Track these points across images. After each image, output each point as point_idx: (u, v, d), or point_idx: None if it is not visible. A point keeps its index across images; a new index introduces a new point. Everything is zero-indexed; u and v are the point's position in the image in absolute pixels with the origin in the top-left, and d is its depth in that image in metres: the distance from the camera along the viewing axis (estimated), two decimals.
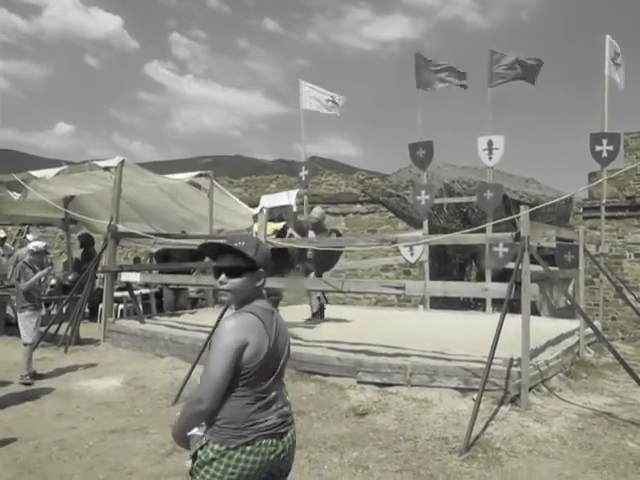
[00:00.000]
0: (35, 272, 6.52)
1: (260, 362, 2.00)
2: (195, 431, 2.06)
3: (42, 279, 6.80)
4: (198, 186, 10.65)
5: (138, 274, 8.78)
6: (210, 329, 6.35)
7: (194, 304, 11.42)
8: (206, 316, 8.37)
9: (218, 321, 6.28)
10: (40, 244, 6.75)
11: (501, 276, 9.01)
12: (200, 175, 10.35)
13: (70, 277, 10.79)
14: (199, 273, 10.39)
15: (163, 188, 10.47)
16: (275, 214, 8.56)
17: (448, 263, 14.61)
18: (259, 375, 2.02)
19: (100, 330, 8.49)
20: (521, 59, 10.25)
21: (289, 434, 2.14)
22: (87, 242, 11.44)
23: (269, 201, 11.48)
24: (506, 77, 10.27)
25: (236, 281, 2.10)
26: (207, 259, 10.42)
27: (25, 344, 6.46)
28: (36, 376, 6.52)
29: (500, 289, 5.63)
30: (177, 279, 9.08)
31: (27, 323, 6.49)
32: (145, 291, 10.57)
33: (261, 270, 2.13)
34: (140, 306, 9.35)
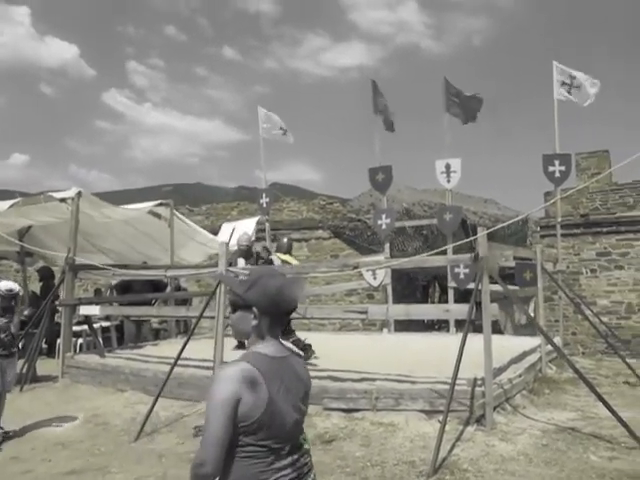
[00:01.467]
0: (2, 316, 5.63)
1: (260, 416, 1.81)
2: None
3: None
4: (158, 216, 10.53)
5: (98, 307, 8.59)
6: (172, 360, 6.24)
7: (157, 336, 11.20)
8: (169, 347, 8.22)
9: (180, 352, 6.19)
10: (12, 285, 5.82)
11: (464, 296, 9.13)
12: (160, 204, 10.24)
13: (26, 312, 10.47)
14: (161, 304, 10.23)
15: (122, 219, 10.32)
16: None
17: (411, 285, 14.73)
18: (265, 430, 1.82)
19: (58, 366, 8.24)
20: (464, 95, 10.62)
21: None
22: (47, 275, 11.13)
23: (230, 229, 11.43)
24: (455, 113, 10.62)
25: (233, 316, 2.00)
26: (168, 289, 10.34)
27: None
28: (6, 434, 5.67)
29: (461, 310, 5.70)
30: (138, 311, 8.91)
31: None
32: (105, 324, 10.32)
33: (255, 310, 1.94)
34: (100, 340, 9.13)
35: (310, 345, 7.23)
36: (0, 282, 5.98)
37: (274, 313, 1.95)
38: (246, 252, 8.23)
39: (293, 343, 7.04)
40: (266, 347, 1.94)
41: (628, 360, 8.24)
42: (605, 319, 11.42)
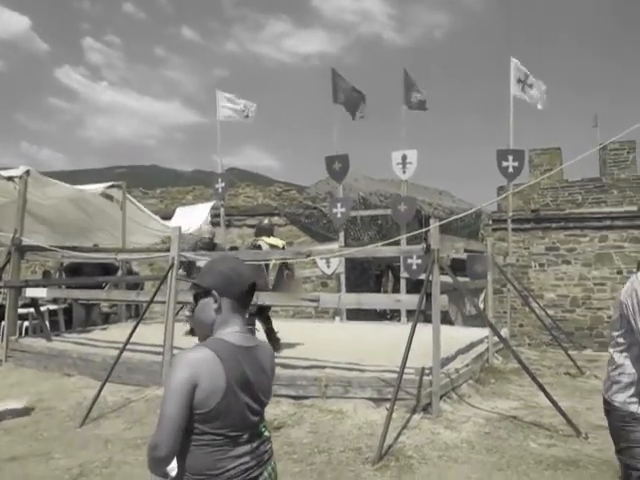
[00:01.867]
0: None
1: (216, 405, 1.79)
2: None
3: None
4: (110, 197, 10.31)
5: (45, 289, 8.36)
6: (121, 345, 6.15)
7: (106, 320, 11.00)
8: (118, 332, 8.09)
9: (129, 337, 6.10)
10: None
11: (416, 286, 9.26)
12: (112, 186, 10.01)
13: None
14: (111, 287, 10.04)
15: (73, 199, 10.05)
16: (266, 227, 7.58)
17: (365, 274, 14.87)
18: (221, 419, 1.82)
19: (2, 349, 8.01)
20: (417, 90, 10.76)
21: (265, 474, 1.96)
22: None
23: (184, 213, 11.29)
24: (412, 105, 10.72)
25: (196, 309, 1.98)
26: (119, 273, 10.15)
27: None
28: None
29: (412, 300, 5.78)
30: (87, 294, 8.72)
31: None
32: (53, 307, 10.08)
33: (214, 293, 1.93)
34: (47, 323, 8.90)
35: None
36: None
37: (233, 292, 1.95)
38: (208, 244, 8.11)
39: (267, 332, 7.00)
40: (231, 334, 1.93)
41: (570, 352, 8.54)
42: (551, 312, 11.81)
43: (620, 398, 2.33)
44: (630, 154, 13.60)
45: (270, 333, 6.91)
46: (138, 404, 5.85)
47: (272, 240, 7.10)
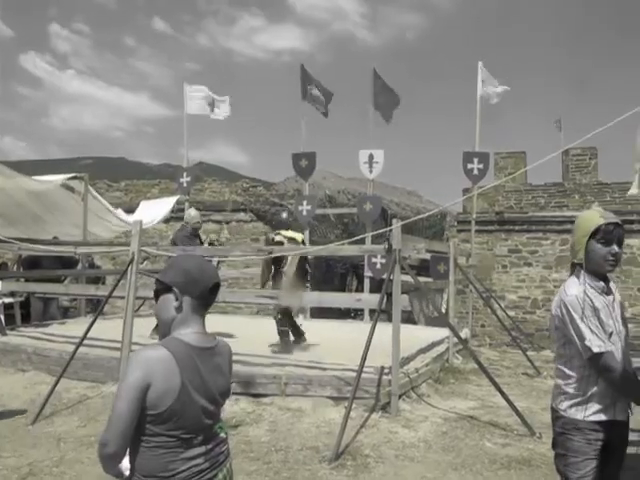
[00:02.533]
0: None
1: (170, 406, 1.75)
2: None
3: None
4: (72, 189, 10.09)
5: (1, 282, 8.14)
6: (78, 340, 6.02)
7: (65, 314, 10.78)
8: (76, 327, 7.92)
9: (86, 332, 5.98)
10: None
11: (380, 286, 9.30)
12: (74, 177, 9.80)
13: None
14: (71, 281, 9.85)
15: (31, 191, 9.81)
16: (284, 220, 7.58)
17: (329, 272, 14.88)
18: (174, 420, 1.76)
19: None
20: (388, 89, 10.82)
21: (220, 475, 1.90)
22: None
23: (148, 207, 11.13)
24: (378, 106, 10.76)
25: (156, 304, 1.93)
26: (79, 267, 9.96)
27: None
28: None
29: (373, 300, 5.80)
30: (46, 287, 8.51)
31: None
32: (8, 300, 9.82)
33: (175, 290, 1.87)
34: (2, 317, 8.67)
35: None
36: None
37: (195, 291, 1.89)
38: (196, 230, 7.80)
39: (293, 327, 7.18)
40: (188, 334, 1.88)
41: (530, 353, 8.70)
42: (512, 313, 12.01)
43: (565, 406, 2.37)
44: (592, 160, 13.88)
45: (297, 327, 7.17)
46: (94, 401, 5.75)
47: (290, 233, 7.04)
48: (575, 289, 2.32)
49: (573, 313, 2.28)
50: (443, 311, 12.99)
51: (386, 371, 5.57)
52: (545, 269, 13.17)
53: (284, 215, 7.85)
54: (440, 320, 11.87)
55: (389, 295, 5.47)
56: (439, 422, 5.28)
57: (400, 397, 5.55)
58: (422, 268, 10.64)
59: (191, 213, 7.91)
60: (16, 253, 9.89)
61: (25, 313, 10.19)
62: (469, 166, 9.76)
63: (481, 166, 9.76)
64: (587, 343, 2.24)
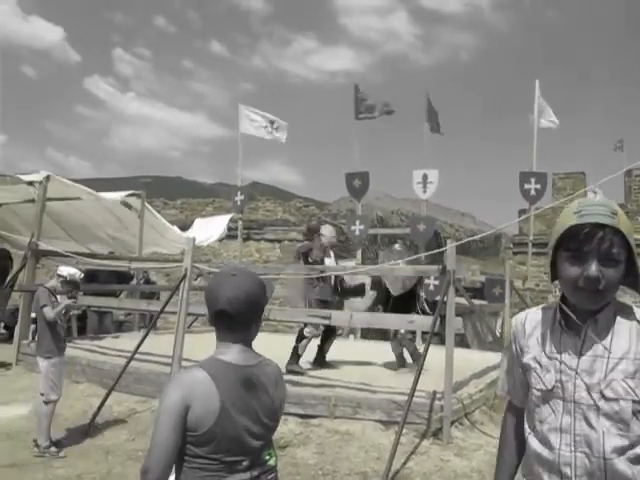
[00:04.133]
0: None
1: (210, 428, 1.68)
2: None
3: (64, 314, 5.33)
4: (129, 206, 10.35)
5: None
6: (130, 354, 6.09)
7: (119, 328, 10.99)
8: (129, 341, 8.03)
9: (138, 346, 6.05)
10: (74, 271, 5.42)
11: (433, 308, 9.10)
12: (132, 195, 10.05)
13: None
14: (126, 296, 10.04)
15: (94, 206, 10.12)
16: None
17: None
18: (215, 442, 1.70)
19: (13, 353, 8.01)
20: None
21: None
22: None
23: (203, 225, 11.29)
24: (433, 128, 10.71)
25: None
26: (134, 282, 10.15)
27: (48, 401, 5.00)
28: (59, 444, 5.01)
29: (426, 322, 5.63)
30: (100, 301, 8.71)
31: (54, 373, 5.07)
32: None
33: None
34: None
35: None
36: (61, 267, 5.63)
37: (211, 311, 1.82)
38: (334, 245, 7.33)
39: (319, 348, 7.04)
40: (227, 353, 1.81)
41: None
42: None
43: None
44: None
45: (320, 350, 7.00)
46: (143, 415, 5.77)
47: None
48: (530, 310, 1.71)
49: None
50: (498, 335, 12.66)
51: (438, 396, 5.38)
52: None
53: (396, 247, 7.61)
54: (494, 344, 11.54)
55: (442, 317, 5.31)
56: (493, 452, 5.01)
57: (452, 424, 5.35)
58: (476, 290, 10.39)
59: (327, 229, 7.48)
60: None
61: (81, 326, 10.45)
62: (526, 186, 9.48)
63: (538, 186, 9.47)
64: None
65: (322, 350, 7.05)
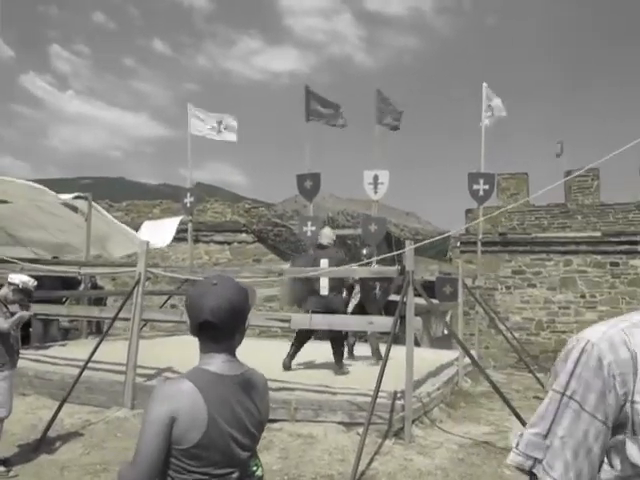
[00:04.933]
0: (12, 314, 4.83)
1: (198, 441, 1.63)
2: None
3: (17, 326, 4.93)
4: (75, 209, 9.99)
5: None
6: (81, 363, 5.88)
7: (66, 335, 10.60)
8: (78, 349, 7.77)
9: (91, 355, 5.85)
10: (27, 279, 5.07)
11: (385, 309, 9.18)
12: (78, 197, 9.70)
13: None
14: (72, 302, 9.69)
15: (37, 208, 9.71)
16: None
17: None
18: (204, 455, 1.65)
19: None
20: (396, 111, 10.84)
21: None
22: None
23: (151, 227, 11.03)
24: (388, 124, 10.78)
25: None
26: (82, 287, 9.81)
27: None
28: (8, 463, 4.69)
29: (385, 322, 5.68)
30: (47, 309, 8.35)
31: (3, 388, 4.66)
32: None
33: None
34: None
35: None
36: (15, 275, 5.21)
37: (193, 322, 1.76)
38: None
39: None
40: (212, 364, 1.76)
41: (536, 375, 8.56)
42: (516, 335, 11.88)
43: None
44: (594, 181, 13.89)
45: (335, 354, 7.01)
46: (98, 427, 5.59)
47: None
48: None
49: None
50: (446, 333, 12.90)
51: (398, 395, 5.44)
52: (549, 290, 13.10)
53: (364, 252, 8.13)
54: (445, 342, 11.76)
55: (402, 318, 5.36)
56: (454, 448, 5.14)
57: (413, 422, 5.42)
58: (426, 289, 10.52)
59: (324, 232, 7.53)
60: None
61: (24, 335, 10.00)
62: (475, 187, 9.68)
63: (487, 187, 9.69)
64: None
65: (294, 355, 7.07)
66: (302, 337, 6.99)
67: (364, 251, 7.79)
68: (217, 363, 1.76)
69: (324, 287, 6.69)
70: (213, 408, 1.67)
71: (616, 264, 12.74)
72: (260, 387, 1.87)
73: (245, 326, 1.86)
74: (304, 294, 6.71)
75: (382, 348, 7.28)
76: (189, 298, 1.83)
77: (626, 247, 12.68)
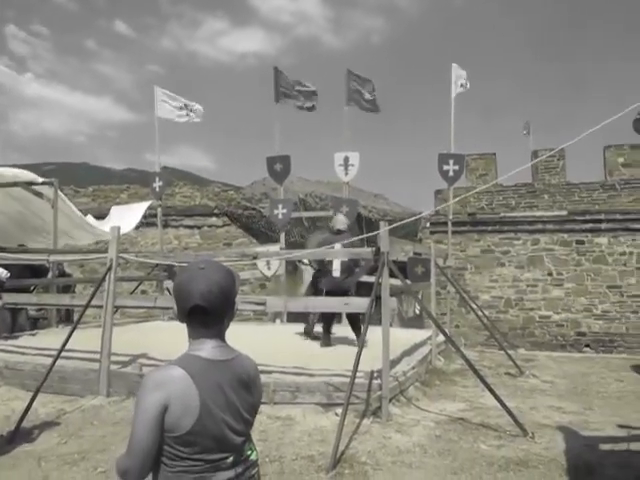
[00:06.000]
0: None
1: (192, 427, 1.63)
2: None
3: None
4: (40, 195, 9.77)
5: None
6: (54, 352, 5.79)
7: (35, 325, 10.41)
8: (49, 338, 7.66)
9: (65, 343, 5.75)
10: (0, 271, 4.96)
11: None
12: (44, 183, 9.47)
13: None
14: (40, 290, 9.51)
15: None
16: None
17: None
18: (198, 442, 1.65)
19: None
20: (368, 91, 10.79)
21: None
22: None
23: (120, 212, 10.86)
24: (359, 105, 10.74)
25: None
26: (50, 275, 9.62)
27: None
28: None
29: (361, 303, 5.70)
30: (16, 298, 8.17)
31: None
32: None
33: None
34: None
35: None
36: None
37: (181, 309, 1.76)
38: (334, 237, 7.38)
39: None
40: (203, 349, 1.75)
41: (507, 351, 8.74)
42: (486, 313, 12.09)
43: None
44: (560, 161, 14.11)
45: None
46: (73, 415, 5.51)
47: None
48: None
49: None
50: (417, 313, 13.05)
51: (375, 375, 5.49)
52: (517, 269, 13.36)
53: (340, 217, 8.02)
54: (416, 321, 11.91)
55: (378, 298, 5.39)
56: (431, 426, 5.23)
57: (390, 401, 5.48)
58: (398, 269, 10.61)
59: (339, 218, 7.82)
60: None
61: None
62: (445, 167, 9.78)
63: (457, 167, 9.80)
64: None
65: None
66: (328, 319, 7.58)
67: (340, 216, 8.04)
68: (208, 349, 1.76)
69: (336, 269, 7.17)
70: (205, 394, 1.67)
71: (581, 242, 13.04)
72: (252, 372, 1.87)
73: (234, 310, 1.86)
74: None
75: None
76: (177, 284, 1.82)
77: (591, 225, 12.99)
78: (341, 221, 7.61)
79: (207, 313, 1.75)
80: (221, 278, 1.80)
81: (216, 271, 1.81)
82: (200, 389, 1.66)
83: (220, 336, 1.81)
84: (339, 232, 7.42)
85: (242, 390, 1.79)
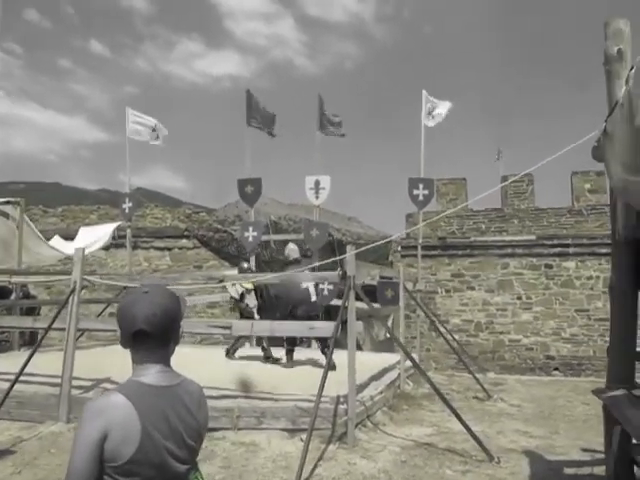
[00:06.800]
0: None
1: (132, 456, 1.57)
2: None
3: None
4: (6, 215, 9.57)
5: None
6: (12, 377, 5.62)
7: None
8: (9, 362, 7.42)
9: (23, 367, 5.60)
10: None
11: (327, 313, 9.18)
12: (8, 202, 9.29)
13: None
14: (3, 312, 9.28)
15: None
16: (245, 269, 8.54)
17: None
18: (139, 471, 1.59)
19: None
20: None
21: None
22: None
23: (89, 233, 10.71)
24: (330, 132, 10.90)
25: None
26: (13, 296, 9.40)
27: None
28: None
29: (327, 327, 5.66)
30: None
31: None
32: None
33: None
34: None
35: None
36: None
37: (125, 333, 1.71)
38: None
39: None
40: (147, 375, 1.70)
41: (475, 375, 8.76)
42: (456, 336, 12.13)
43: None
44: (529, 186, 14.33)
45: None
46: (30, 443, 5.33)
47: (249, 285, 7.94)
48: None
49: None
50: (388, 336, 13.05)
51: (341, 400, 5.44)
52: (487, 293, 13.45)
53: (245, 265, 8.74)
54: (387, 345, 11.88)
55: (344, 322, 5.37)
56: (397, 451, 5.18)
57: (356, 426, 5.43)
58: (368, 293, 10.62)
59: (290, 247, 8.24)
60: None
61: None
62: (415, 192, 9.88)
63: (426, 192, 9.90)
64: None
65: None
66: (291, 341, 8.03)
67: (244, 265, 8.81)
68: (152, 374, 1.71)
69: (312, 294, 7.53)
70: (147, 421, 1.61)
71: (550, 266, 13.21)
72: (197, 397, 1.82)
73: (179, 334, 1.82)
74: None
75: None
76: (121, 308, 1.77)
77: (559, 250, 13.17)
78: (294, 250, 8.06)
79: (151, 337, 1.70)
80: (166, 301, 1.76)
81: (160, 295, 1.77)
82: (141, 416, 1.60)
83: (165, 361, 1.76)
84: (296, 261, 7.81)
85: (187, 416, 1.73)
